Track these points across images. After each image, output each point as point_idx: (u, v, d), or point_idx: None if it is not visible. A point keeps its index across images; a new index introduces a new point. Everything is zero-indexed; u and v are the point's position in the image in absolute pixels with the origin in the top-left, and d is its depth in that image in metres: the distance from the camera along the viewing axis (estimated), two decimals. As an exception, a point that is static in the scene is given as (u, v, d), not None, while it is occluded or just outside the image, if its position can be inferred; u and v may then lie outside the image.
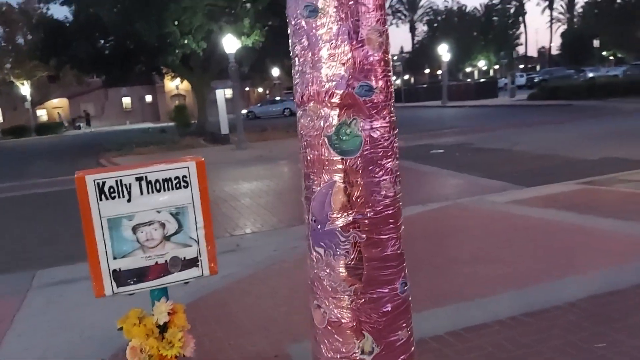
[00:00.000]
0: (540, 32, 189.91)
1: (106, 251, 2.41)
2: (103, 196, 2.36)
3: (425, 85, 52.82)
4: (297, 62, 1.47)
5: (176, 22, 19.20)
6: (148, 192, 2.45)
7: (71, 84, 48.81)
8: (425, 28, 76.78)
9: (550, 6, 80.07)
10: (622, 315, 3.35)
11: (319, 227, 1.48)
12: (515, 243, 4.93)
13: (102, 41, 21.52)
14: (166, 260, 2.50)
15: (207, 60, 24.01)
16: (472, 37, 64.40)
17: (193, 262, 2.56)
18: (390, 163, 1.48)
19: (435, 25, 69.10)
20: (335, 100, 1.37)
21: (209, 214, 2.56)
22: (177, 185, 2.50)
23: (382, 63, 1.42)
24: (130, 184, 2.40)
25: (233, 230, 6.84)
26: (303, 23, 1.41)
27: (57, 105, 57.47)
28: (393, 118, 1.48)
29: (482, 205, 6.73)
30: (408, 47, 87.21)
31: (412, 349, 1.61)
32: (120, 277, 2.45)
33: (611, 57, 56.79)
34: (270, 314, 3.84)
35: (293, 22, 1.44)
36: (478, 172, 9.58)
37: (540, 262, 4.34)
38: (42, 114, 55.44)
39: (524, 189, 7.60)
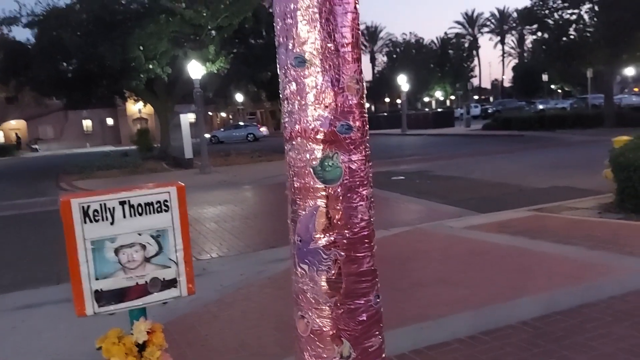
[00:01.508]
0: (493, 65, 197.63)
1: (89, 272, 2.47)
2: (87, 219, 2.44)
3: (385, 114, 54.01)
4: (286, 104, 1.71)
5: (141, 47, 19.15)
6: (131, 216, 2.53)
7: (29, 106, 47.68)
8: (385, 59, 78.89)
9: (502, 41, 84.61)
10: (567, 333, 3.63)
11: (303, 246, 1.69)
12: (472, 266, 5.22)
13: (64, 64, 21.23)
14: (146, 281, 2.57)
15: (172, 84, 24.01)
16: (429, 68, 66.53)
17: (172, 283, 2.63)
18: (366, 191, 1.71)
19: (395, 56, 71.09)
20: (320, 136, 1.61)
21: (188, 237, 2.66)
22: (159, 209, 2.59)
23: (359, 106, 1.68)
24: (113, 208, 2.49)
25: (199, 255, 6.88)
26: (292, 71, 1.65)
27: (15, 127, 55.96)
28: (368, 152, 1.72)
29: (441, 231, 7.03)
30: (369, 77, 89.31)
31: (384, 355, 1.82)
32: (101, 297, 2.50)
33: (559, 90, 59.73)
34: (241, 337, 3.91)
35: (284, 70, 1.69)
36: (437, 198, 9.96)
37: (495, 284, 4.62)
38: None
39: (480, 215, 7.97)
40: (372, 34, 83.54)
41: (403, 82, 38.10)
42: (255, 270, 5.83)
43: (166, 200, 2.63)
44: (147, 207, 2.59)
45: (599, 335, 3.57)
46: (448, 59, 67.61)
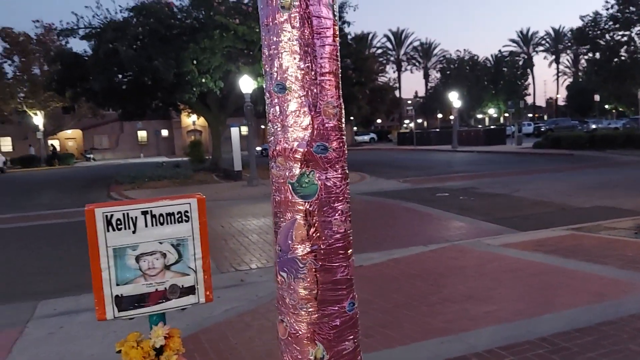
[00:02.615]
0: (548, 83, 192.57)
1: (110, 278, 2.59)
2: (110, 227, 2.57)
3: (437, 130, 53.54)
4: (270, 126, 1.89)
5: (195, 62, 19.64)
6: (152, 225, 2.65)
7: (86, 116, 49.29)
8: (438, 75, 78.39)
9: (557, 60, 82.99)
10: (582, 349, 3.66)
11: (283, 255, 1.85)
12: (502, 283, 5.28)
13: (119, 76, 21.78)
14: (165, 288, 2.67)
15: (224, 98, 24.46)
16: (483, 85, 65.62)
17: (190, 290, 2.73)
18: (341, 206, 1.86)
19: (448, 72, 70.50)
20: (298, 156, 1.78)
21: (207, 246, 2.77)
22: (179, 219, 2.71)
23: (337, 129, 1.84)
24: (136, 217, 2.62)
25: (239, 266, 7.01)
26: (275, 97, 1.82)
27: (71, 136, 57.92)
28: (345, 170, 1.87)
29: (477, 248, 7.05)
30: (422, 93, 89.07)
31: (359, 358, 1.95)
32: (121, 302, 2.62)
33: (613, 110, 57.72)
34: (268, 347, 3.99)
35: (268, 95, 1.87)
36: (478, 215, 9.90)
37: (521, 301, 4.69)
38: (54, 144, 55.53)
39: (518, 233, 7.98)
40: (426, 50, 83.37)
41: (455, 98, 37.80)
42: (292, 281, 5.97)
43: (187, 211, 2.74)
44: (169, 217, 2.72)
45: (613, 351, 3.59)
46: (502, 76, 66.59)
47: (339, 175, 1.83)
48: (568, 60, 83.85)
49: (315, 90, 1.76)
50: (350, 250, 1.90)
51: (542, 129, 46.52)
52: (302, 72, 1.75)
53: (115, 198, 16.32)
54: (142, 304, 2.66)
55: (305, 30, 1.72)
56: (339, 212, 1.83)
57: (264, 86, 1.88)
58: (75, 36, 22.25)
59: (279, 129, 1.81)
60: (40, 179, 29.25)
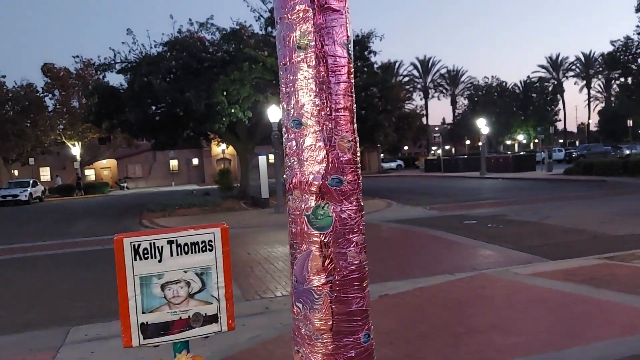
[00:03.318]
0: (579, 108, 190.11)
1: (136, 306, 2.66)
2: (137, 257, 2.66)
3: (465, 157, 53.12)
4: (287, 159, 1.95)
5: (225, 93, 20.10)
6: (177, 254, 2.73)
7: (121, 146, 51.07)
8: (466, 101, 78.17)
9: (588, 85, 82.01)
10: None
11: (298, 286, 1.89)
12: (530, 313, 5.18)
13: (153, 107, 22.44)
14: (189, 316, 2.73)
15: (252, 127, 24.89)
16: (511, 111, 65.16)
17: (213, 319, 2.77)
18: (356, 237, 1.90)
19: (476, 99, 70.29)
20: (313, 189, 1.83)
21: (230, 275, 2.82)
22: (203, 249, 2.77)
23: (351, 162, 1.89)
24: (162, 247, 2.70)
25: (264, 293, 7.01)
26: (292, 132, 1.89)
27: (106, 166, 59.73)
28: (360, 203, 1.91)
29: (505, 277, 6.93)
30: (449, 119, 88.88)
31: (374, 389, 1.96)
32: (147, 330, 2.68)
33: (648, 135, 56.55)
34: None
35: (285, 130, 1.94)
36: (507, 243, 9.74)
37: (549, 332, 4.59)
38: (90, 173, 57.61)
39: (548, 262, 7.81)
40: (453, 77, 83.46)
41: (483, 125, 37.58)
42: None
43: (210, 241, 2.81)
44: (193, 247, 2.79)
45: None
46: (531, 102, 66.05)
47: (354, 208, 1.87)
48: (599, 85, 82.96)
49: (330, 125, 1.82)
50: (366, 281, 1.93)
51: (574, 155, 45.80)
52: (318, 108, 1.82)
53: (147, 226, 16.61)
54: (166, 332, 2.71)
55: (321, 69, 1.80)
56: (354, 243, 1.87)
57: (282, 122, 1.95)
58: (112, 70, 23.19)
59: (295, 162, 1.88)
60: (77, 207, 29.98)
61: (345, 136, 1.87)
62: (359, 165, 1.94)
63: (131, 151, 55.98)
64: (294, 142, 1.89)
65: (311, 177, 1.83)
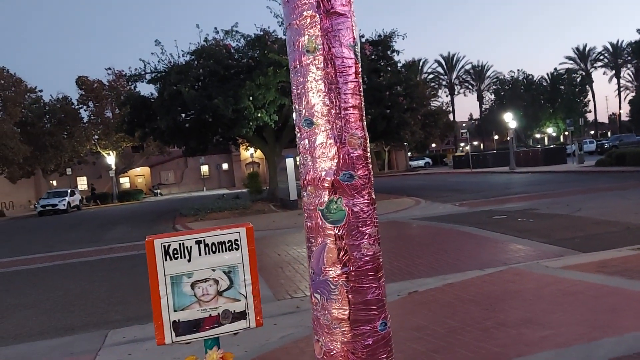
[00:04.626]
0: (610, 98, 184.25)
1: (168, 304, 2.78)
2: (168, 257, 2.78)
3: (493, 152, 52.37)
4: (301, 157, 2.04)
5: (251, 98, 20.39)
6: (206, 254, 2.85)
7: (153, 154, 52.43)
8: (492, 96, 77.07)
9: (617, 75, 79.81)
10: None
11: (316, 277, 1.98)
12: (561, 306, 5.12)
13: (183, 115, 22.87)
14: (219, 313, 2.85)
15: (279, 130, 25.14)
16: (539, 104, 63.94)
17: (242, 315, 2.89)
18: (369, 229, 1.97)
19: (502, 93, 69.19)
20: (326, 184, 1.92)
21: (256, 273, 2.93)
22: (230, 248, 2.90)
23: (362, 157, 1.97)
24: (190, 246, 2.83)
25: (294, 293, 7.10)
26: (304, 131, 1.99)
27: (140, 173, 61.26)
28: (372, 196, 1.99)
29: (535, 270, 6.85)
30: (476, 115, 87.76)
31: (392, 376, 2.03)
32: (179, 328, 2.80)
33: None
34: None
35: (298, 130, 2.03)
36: (537, 237, 9.62)
37: (581, 325, 4.53)
38: (124, 181, 59.34)
39: (579, 254, 7.67)
40: (478, 73, 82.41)
41: (510, 119, 37.06)
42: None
43: (236, 240, 2.93)
44: (220, 246, 2.92)
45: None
46: (559, 94, 64.69)
47: (366, 201, 1.95)
48: (629, 75, 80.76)
49: (340, 123, 1.91)
50: (381, 272, 2.01)
51: (606, 146, 44.60)
52: (327, 107, 1.91)
53: (180, 230, 16.92)
54: (197, 329, 2.82)
55: (329, 70, 1.89)
56: (367, 235, 1.95)
57: (295, 122, 2.05)
58: (143, 80, 23.84)
59: (308, 160, 1.98)
60: (113, 214, 30.74)
61: (355, 133, 1.95)
62: (370, 160, 2.02)
63: (163, 158, 57.31)
64: (306, 141, 1.98)
65: (324, 173, 1.93)
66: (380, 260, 2.02)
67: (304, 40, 1.90)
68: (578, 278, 6.13)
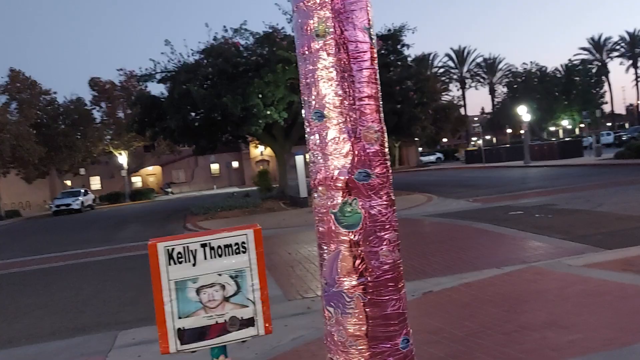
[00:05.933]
0: (627, 89, 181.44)
1: (172, 311, 2.63)
2: (172, 261, 2.62)
3: (507, 145, 51.81)
4: (311, 155, 1.83)
5: (260, 95, 20.33)
6: (211, 257, 2.68)
7: (164, 153, 52.82)
8: (505, 90, 76.35)
9: (635, 65, 78.63)
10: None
11: (329, 288, 1.77)
12: (588, 308, 4.87)
13: (192, 114, 22.89)
14: (225, 320, 2.67)
15: (288, 128, 25.06)
16: (554, 96, 63.13)
17: (250, 322, 2.71)
18: (388, 235, 1.76)
19: (515, 86, 68.45)
20: (339, 184, 1.70)
21: (265, 277, 2.75)
22: (237, 251, 2.72)
23: (379, 153, 1.75)
24: (195, 250, 2.65)
25: (305, 293, 6.96)
26: (314, 125, 1.78)
27: (151, 173, 61.75)
28: (391, 197, 1.77)
29: (557, 269, 6.61)
30: (488, 109, 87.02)
31: (417, 399, 1.82)
32: (184, 336, 2.65)
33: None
34: None
35: (307, 124, 1.82)
36: (557, 234, 9.35)
37: (611, 328, 4.28)
38: (136, 180, 59.87)
39: (604, 252, 7.38)
40: (490, 66, 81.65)
41: (524, 112, 36.57)
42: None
43: (244, 242, 2.75)
44: (227, 249, 2.73)
45: None
46: (574, 86, 63.81)
47: (384, 203, 1.74)
48: (646, 63, 79.54)
49: (354, 115, 1.70)
50: (402, 282, 1.79)
51: (624, 138, 43.89)
52: (340, 98, 1.70)
53: (191, 229, 16.86)
54: (203, 337, 2.67)
55: (342, 56, 1.68)
56: (386, 241, 1.74)
57: (303, 115, 1.84)
58: (153, 80, 23.99)
59: (319, 157, 1.77)
60: (125, 213, 30.96)
61: (371, 126, 1.74)
62: (388, 156, 1.80)
63: (174, 157, 57.71)
64: (317, 136, 1.77)
65: (336, 172, 1.71)
66: (401, 268, 1.80)
67: (314, 23, 1.68)
68: (603, 277, 5.87)
